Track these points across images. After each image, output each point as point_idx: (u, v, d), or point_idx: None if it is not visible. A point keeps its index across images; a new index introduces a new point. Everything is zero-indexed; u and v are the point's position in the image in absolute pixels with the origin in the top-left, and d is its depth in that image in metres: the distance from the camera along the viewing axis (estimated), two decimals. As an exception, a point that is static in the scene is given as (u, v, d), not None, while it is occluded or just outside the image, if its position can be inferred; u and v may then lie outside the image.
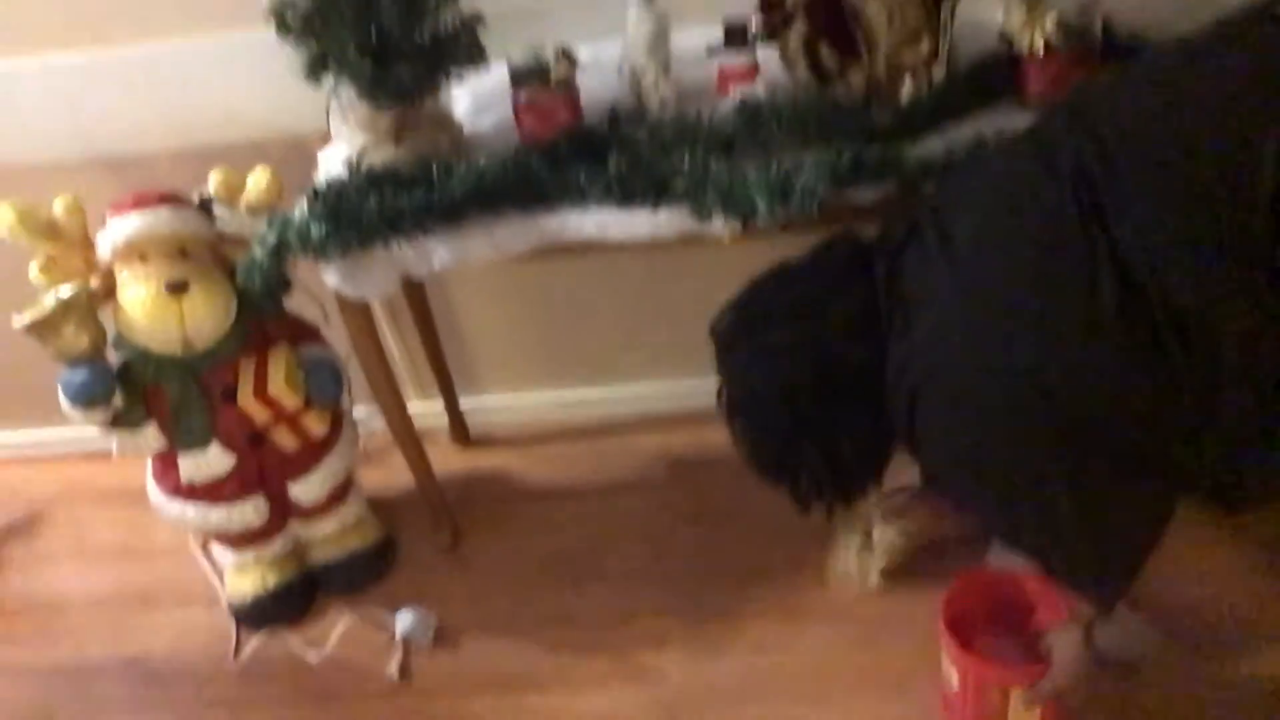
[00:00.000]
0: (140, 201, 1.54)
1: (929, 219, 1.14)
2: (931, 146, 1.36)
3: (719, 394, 1.28)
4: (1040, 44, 1.38)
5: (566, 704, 1.68)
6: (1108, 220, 0.99)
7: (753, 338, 1.23)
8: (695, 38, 1.50)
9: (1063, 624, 1.36)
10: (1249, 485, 1.11)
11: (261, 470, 1.73)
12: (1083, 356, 1.00)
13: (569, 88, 1.44)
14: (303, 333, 1.73)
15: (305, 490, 1.77)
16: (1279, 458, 1.07)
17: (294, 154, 1.68)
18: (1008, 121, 1.35)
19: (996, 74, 1.43)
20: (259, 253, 1.45)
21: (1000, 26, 1.45)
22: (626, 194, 1.39)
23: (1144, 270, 0.97)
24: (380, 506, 2.00)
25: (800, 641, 1.71)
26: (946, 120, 1.39)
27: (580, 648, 1.75)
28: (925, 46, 1.39)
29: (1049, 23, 1.37)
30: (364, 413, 1.99)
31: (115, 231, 1.53)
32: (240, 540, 1.81)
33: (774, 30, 1.45)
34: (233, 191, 1.61)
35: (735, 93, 1.45)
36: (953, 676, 1.45)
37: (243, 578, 1.85)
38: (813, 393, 1.18)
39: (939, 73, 1.40)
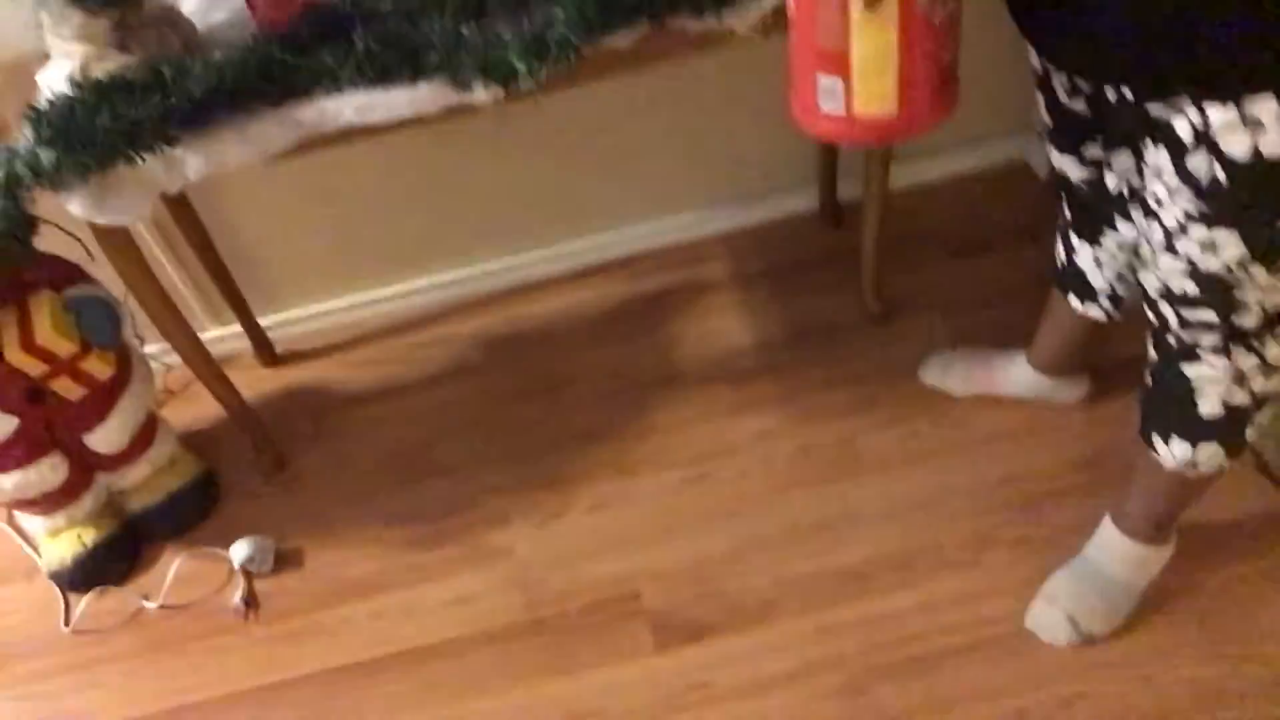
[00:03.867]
0: None
1: None
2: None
3: None
4: None
5: (419, 598, 1.69)
6: None
7: None
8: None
9: None
10: None
11: (50, 426, 1.63)
12: None
13: (298, -36, 1.35)
14: (67, 274, 1.61)
15: (104, 439, 1.68)
16: None
17: (10, 81, 1.53)
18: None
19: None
20: (-11, 194, 1.33)
21: None
22: (380, 72, 1.32)
23: None
24: (197, 441, 1.93)
25: (635, 492, 1.76)
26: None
27: (424, 542, 1.76)
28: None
29: None
30: (158, 348, 1.89)
31: None
32: (45, 504, 1.71)
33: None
34: (-54, 134, 1.46)
35: (476, -51, 1.39)
36: None
37: (58, 542, 1.77)
38: None
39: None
